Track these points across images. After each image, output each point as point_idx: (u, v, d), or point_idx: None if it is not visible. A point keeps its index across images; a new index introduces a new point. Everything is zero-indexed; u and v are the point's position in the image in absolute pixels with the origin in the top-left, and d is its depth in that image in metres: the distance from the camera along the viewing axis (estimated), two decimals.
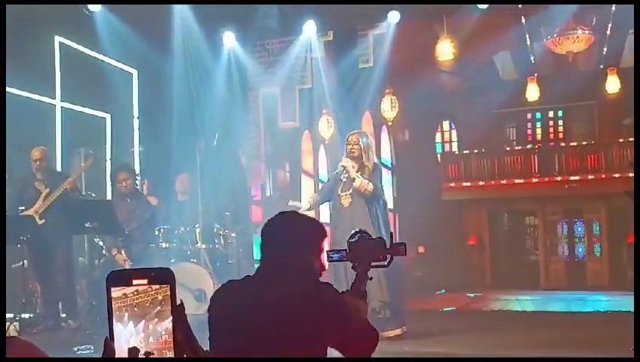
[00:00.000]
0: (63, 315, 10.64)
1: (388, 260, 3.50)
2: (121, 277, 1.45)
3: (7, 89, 11.62)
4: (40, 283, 10.77)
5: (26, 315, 10.52)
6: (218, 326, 3.18)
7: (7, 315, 10.53)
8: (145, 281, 1.44)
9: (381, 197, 9.38)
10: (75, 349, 7.91)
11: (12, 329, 9.68)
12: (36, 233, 10.08)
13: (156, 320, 1.43)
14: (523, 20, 15.84)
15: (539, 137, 23.99)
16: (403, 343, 8.59)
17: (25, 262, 10.53)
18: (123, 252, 10.34)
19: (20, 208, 10.38)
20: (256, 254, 13.00)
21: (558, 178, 21.92)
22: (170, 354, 1.44)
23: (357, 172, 9.19)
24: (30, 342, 2.30)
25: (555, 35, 15.84)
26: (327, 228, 12.84)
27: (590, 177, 21.10)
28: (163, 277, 1.45)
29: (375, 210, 9.20)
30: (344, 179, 9.30)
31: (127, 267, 10.09)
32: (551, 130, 23.98)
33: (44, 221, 10.17)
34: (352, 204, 9.25)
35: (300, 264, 3.31)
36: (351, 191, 9.21)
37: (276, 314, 3.04)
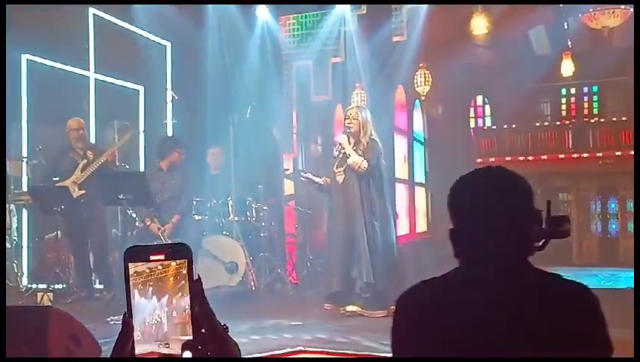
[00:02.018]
0: (98, 286, 10.74)
1: (542, 242, 2.56)
2: (139, 253, 1.46)
3: (43, 61, 11.70)
4: (74, 254, 10.86)
5: (60, 286, 10.62)
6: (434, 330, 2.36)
7: (41, 286, 10.66)
8: (162, 257, 1.45)
9: (377, 172, 9.27)
10: (109, 319, 7.99)
11: (46, 300, 9.80)
12: (71, 204, 10.15)
13: (180, 294, 1.44)
14: None
15: (573, 113, 23.80)
16: None
17: (58, 233, 10.62)
18: (156, 221, 10.41)
19: (55, 179, 10.45)
20: (288, 227, 13.05)
21: (592, 154, 21.76)
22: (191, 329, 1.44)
23: (352, 147, 9.13)
24: (65, 312, 2.33)
25: (590, 10, 15.67)
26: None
27: (625, 153, 20.90)
28: (181, 252, 1.46)
29: (368, 187, 9.13)
30: (340, 156, 9.24)
31: (161, 235, 10.18)
32: (585, 105, 23.77)
33: (83, 192, 10.23)
34: (345, 180, 9.20)
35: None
36: (345, 167, 9.17)
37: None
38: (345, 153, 9.10)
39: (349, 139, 9.17)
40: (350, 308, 9.13)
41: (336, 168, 9.23)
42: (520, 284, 2.35)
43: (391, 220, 9.43)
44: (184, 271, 1.44)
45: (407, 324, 2.42)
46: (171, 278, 1.44)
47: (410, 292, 2.48)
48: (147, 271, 1.44)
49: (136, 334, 1.44)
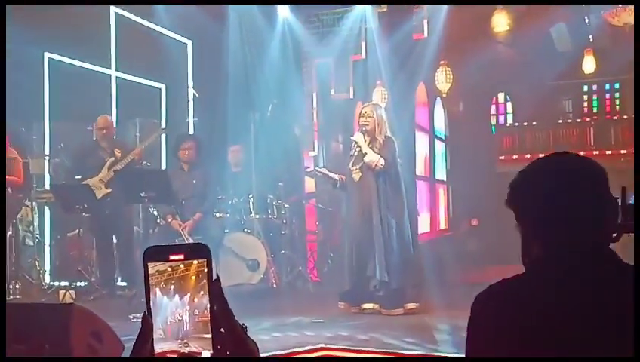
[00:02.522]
0: (121, 283, 10.78)
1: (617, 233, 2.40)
2: (158, 253, 1.47)
3: (64, 59, 11.76)
4: (97, 252, 10.91)
5: (82, 283, 10.67)
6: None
7: (63, 283, 10.71)
8: (182, 257, 1.46)
9: (393, 170, 9.24)
10: (131, 316, 8.01)
11: (68, 297, 9.84)
12: (94, 202, 10.20)
13: (202, 292, 1.45)
14: None
15: (595, 110, 23.69)
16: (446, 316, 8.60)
17: (81, 230, 10.67)
18: (177, 218, 10.42)
19: (77, 177, 10.50)
20: (310, 224, 13.05)
21: (615, 151, 21.65)
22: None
23: (368, 145, 9.12)
24: (88, 309, 2.35)
25: (612, 7, 15.60)
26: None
27: None
28: (200, 252, 1.47)
29: (384, 185, 9.10)
30: (356, 154, 9.22)
31: (182, 231, 10.19)
32: (607, 102, 23.66)
33: (109, 190, 10.29)
34: (361, 178, 9.17)
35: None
36: (361, 165, 9.15)
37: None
38: (361, 151, 9.08)
39: (364, 136, 9.15)
40: (366, 305, 9.11)
41: (352, 166, 9.21)
42: (608, 275, 2.22)
43: (406, 218, 9.37)
44: (206, 270, 1.45)
45: (487, 325, 2.30)
46: (193, 277, 1.45)
47: (489, 292, 2.39)
48: (169, 269, 1.45)
49: (158, 332, 1.45)
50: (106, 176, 10.34)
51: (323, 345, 7.20)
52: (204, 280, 1.45)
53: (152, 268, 1.45)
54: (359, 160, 9.13)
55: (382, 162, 8.97)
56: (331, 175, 9.67)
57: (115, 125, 11.35)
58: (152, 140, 11.33)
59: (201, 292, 1.45)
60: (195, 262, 1.45)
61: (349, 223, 9.45)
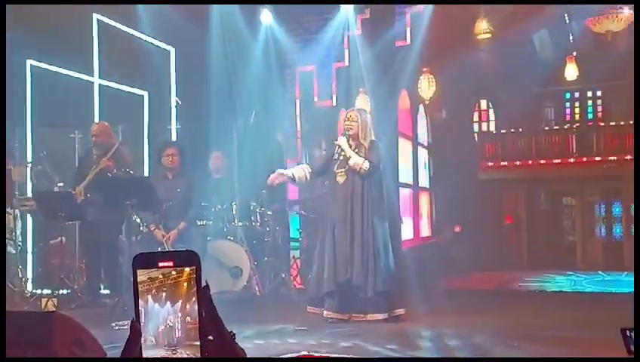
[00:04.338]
0: (104, 291, 10.74)
1: None
2: (147, 260, 1.47)
3: (47, 66, 11.73)
4: (80, 260, 10.88)
5: (64, 291, 10.62)
6: None
7: (45, 291, 10.66)
8: (170, 264, 1.46)
9: (378, 174, 9.24)
10: (114, 325, 7.98)
11: (50, 305, 9.78)
12: (76, 209, 10.16)
13: (193, 299, 1.45)
14: None
15: (577, 117, 23.82)
16: (434, 323, 8.61)
17: (63, 238, 10.63)
18: (161, 227, 10.40)
19: (60, 184, 10.46)
20: (293, 232, 13.05)
21: (597, 158, 21.76)
22: None
23: (354, 150, 9.13)
24: (70, 317, 2.33)
25: (594, 14, 15.69)
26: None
27: (629, 157, 20.88)
28: (189, 259, 1.47)
29: (369, 188, 9.11)
30: (341, 158, 9.24)
31: (165, 242, 10.16)
32: (589, 109, 23.79)
33: (85, 197, 10.24)
34: (346, 181, 9.15)
35: None
36: (346, 168, 9.15)
37: None
38: (345, 155, 9.09)
39: (349, 141, 9.16)
40: (355, 315, 9.07)
41: (337, 169, 9.22)
42: None
43: (386, 222, 9.39)
44: (196, 277, 1.45)
45: None
46: (185, 283, 1.45)
47: None
48: (161, 276, 1.45)
49: (149, 339, 1.45)
50: (86, 183, 10.28)
51: (306, 353, 7.19)
52: (195, 288, 1.45)
53: (145, 274, 1.45)
54: (344, 163, 9.14)
55: (366, 165, 8.97)
56: (285, 171, 9.71)
57: (107, 132, 11.25)
58: (113, 153, 11.08)
59: (194, 299, 1.45)
60: (187, 269, 1.45)
61: (331, 225, 9.42)
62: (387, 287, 9.04)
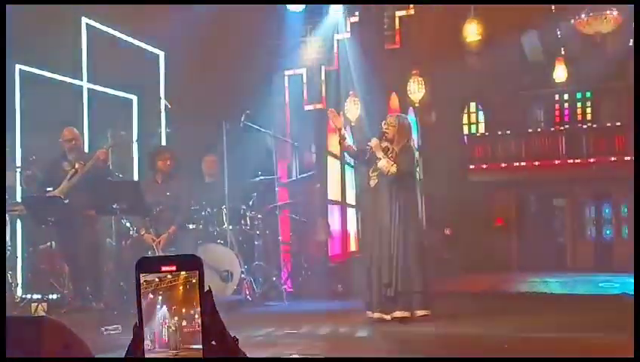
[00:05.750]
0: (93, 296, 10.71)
1: None
2: (151, 264, 1.47)
3: (35, 70, 11.70)
4: (67, 264, 10.84)
5: (54, 296, 10.59)
6: None
7: (35, 296, 10.62)
8: (173, 268, 1.47)
9: (408, 178, 9.33)
10: (103, 329, 7.96)
11: (40, 310, 9.75)
12: (64, 214, 10.11)
13: (190, 303, 1.45)
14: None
15: (567, 119, 23.86)
16: (429, 324, 8.62)
17: (52, 243, 10.60)
18: (152, 231, 10.38)
19: (48, 189, 10.41)
20: (283, 235, 13.04)
21: (586, 160, 21.81)
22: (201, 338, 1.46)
23: (386, 154, 9.17)
24: (59, 321, 2.32)
25: (583, 16, 15.72)
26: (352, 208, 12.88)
27: (618, 159, 20.95)
28: (192, 264, 1.47)
29: (396, 192, 9.17)
30: (373, 159, 9.28)
31: (155, 247, 10.15)
32: (579, 111, 23.84)
33: (67, 201, 10.18)
34: (376, 184, 9.26)
35: None
36: (378, 172, 9.20)
37: None
38: (375, 156, 9.16)
39: (380, 143, 9.21)
40: (397, 313, 9.06)
41: (372, 172, 9.36)
42: None
43: (418, 226, 9.54)
44: (194, 281, 1.46)
45: None
46: (181, 287, 1.46)
47: None
48: (157, 280, 1.46)
49: (146, 343, 1.45)
50: (65, 188, 10.20)
51: (297, 356, 7.19)
52: (194, 291, 1.45)
53: (144, 278, 1.46)
54: (374, 165, 9.22)
55: (394, 169, 9.03)
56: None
57: (83, 137, 11.26)
58: (119, 143, 11.22)
59: (190, 303, 1.45)
60: (184, 273, 1.46)
61: (365, 230, 9.53)
62: (417, 288, 9.09)
